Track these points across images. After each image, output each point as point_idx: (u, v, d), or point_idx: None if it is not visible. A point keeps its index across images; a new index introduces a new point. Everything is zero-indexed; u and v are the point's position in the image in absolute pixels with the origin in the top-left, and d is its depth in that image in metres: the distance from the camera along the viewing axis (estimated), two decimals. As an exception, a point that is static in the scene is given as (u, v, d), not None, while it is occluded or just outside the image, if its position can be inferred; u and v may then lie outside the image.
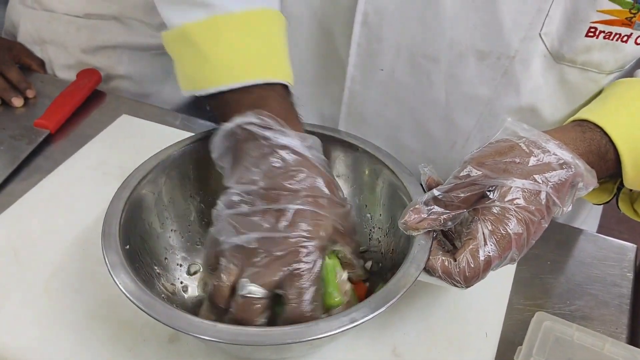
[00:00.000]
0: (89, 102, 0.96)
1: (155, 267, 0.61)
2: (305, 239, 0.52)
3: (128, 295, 0.50)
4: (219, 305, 0.53)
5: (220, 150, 0.59)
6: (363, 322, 0.48)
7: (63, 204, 0.76)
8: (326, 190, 0.55)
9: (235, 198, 0.55)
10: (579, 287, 0.70)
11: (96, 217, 0.73)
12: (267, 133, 0.56)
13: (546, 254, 0.73)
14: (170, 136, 0.85)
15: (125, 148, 0.85)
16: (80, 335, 0.60)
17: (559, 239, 0.76)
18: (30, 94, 0.97)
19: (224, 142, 0.58)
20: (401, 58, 0.73)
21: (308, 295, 0.51)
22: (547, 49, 0.67)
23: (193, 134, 0.68)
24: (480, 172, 0.53)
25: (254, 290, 0.51)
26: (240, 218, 0.53)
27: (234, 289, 0.52)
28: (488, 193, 0.53)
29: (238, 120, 0.57)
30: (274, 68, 0.61)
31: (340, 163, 0.68)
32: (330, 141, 0.66)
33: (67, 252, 0.69)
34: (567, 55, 0.67)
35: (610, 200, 0.69)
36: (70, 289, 0.65)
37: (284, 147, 0.55)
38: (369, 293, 0.59)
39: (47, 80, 1.03)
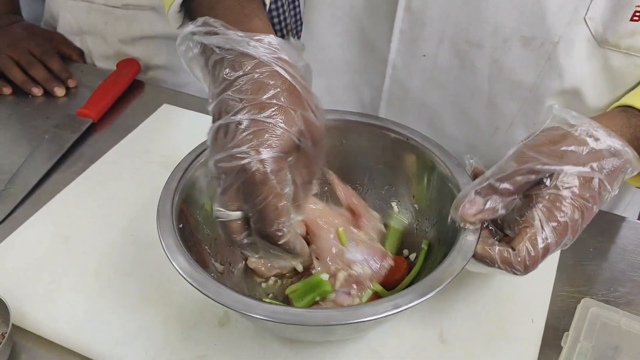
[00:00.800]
0: (128, 91, 0.98)
1: (206, 247, 0.62)
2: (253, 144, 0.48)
3: (183, 274, 0.51)
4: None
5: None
6: (408, 308, 0.49)
7: (110, 192, 0.77)
8: (268, 97, 0.49)
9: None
10: (622, 274, 0.70)
11: (142, 203, 0.75)
12: (213, 39, 0.51)
13: (588, 241, 0.73)
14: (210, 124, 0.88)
15: (167, 137, 0.86)
16: (131, 319, 0.62)
17: (601, 226, 0.75)
18: (71, 83, 0.99)
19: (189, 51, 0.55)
20: (444, 44, 0.73)
21: (276, 207, 0.48)
22: (592, 33, 0.67)
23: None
24: (537, 160, 0.53)
25: (223, 214, 0.50)
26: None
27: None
28: (544, 180, 0.53)
29: (188, 28, 0.53)
30: None
31: (387, 152, 0.68)
32: (376, 130, 0.67)
33: (116, 238, 0.71)
34: (611, 39, 0.67)
35: None
36: (120, 274, 0.66)
37: (230, 50, 0.51)
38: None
39: (87, 70, 1.05)
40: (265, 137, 0.47)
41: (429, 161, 0.65)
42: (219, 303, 0.49)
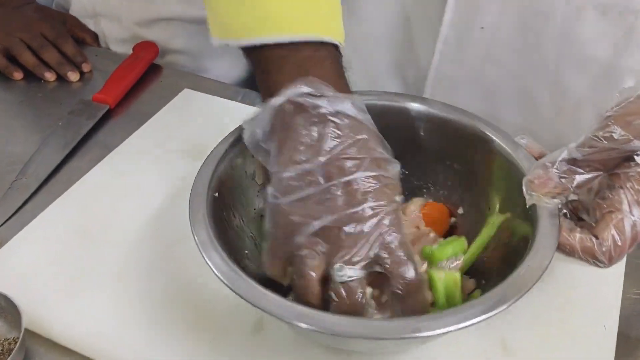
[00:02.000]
0: (146, 76, 0.94)
1: (246, 251, 0.56)
2: (383, 207, 0.46)
3: (217, 273, 0.46)
4: (311, 305, 0.47)
5: (264, 129, 0.51)
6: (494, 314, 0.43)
7: (130, 182, 0.72)
8: (383, 151, 0.50)
9: (292, 182, 0.48)
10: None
11: (167, 194, 0.70)
12: (320, 101, 0.48)
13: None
14: (234, 110, 0.83)
15: (189, 123, 0.81)
16: (156, 324, 0.57)
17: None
18: (86, 67, 0.94)
19: (269, 119, 0.50)
20: (507, 14, 0.67)
21: (409, 262, 0.46)
22: None
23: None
24: (628, 134, 0.46)
25: (352, 272, 0.45)
26: (305, 202, 0.47)
27: (324, 282, 0.47)
28: (635, 157, 0.46)
29: (289, 92, 0.49)
30: (328, 24, 0.53)
31: (434, 138, 0.62)
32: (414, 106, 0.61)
33: (138, 232, 0.66)
34: None
35: None
36: (144, 273, 0.61)
37: (337, 113, 0.48)
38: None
39: (102, 53, 1.00)
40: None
41: (489, 147, 0.58)
42: (258, 308, 0.43)
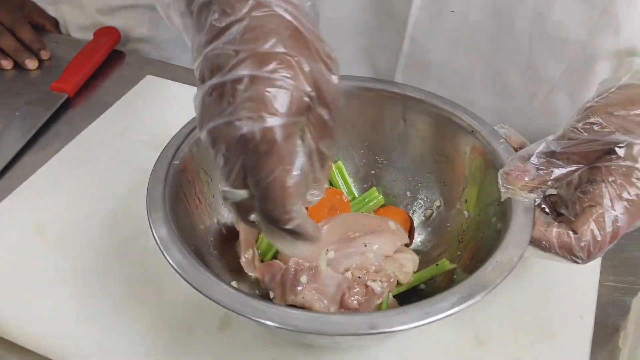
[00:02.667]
0: (107, 63, 0.92)
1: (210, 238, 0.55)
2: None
3: (179, 270, 0.44)
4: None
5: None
6: (457, 311, 0.42)
7: (89, 174, 0.71)
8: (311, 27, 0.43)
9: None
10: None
11: (128, 187, 0.69)
12: None
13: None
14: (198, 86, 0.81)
15: (152, 112, 0.80)
16: (117, 323, 0.55)
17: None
18: (44, 55, 0.92)
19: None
20: None
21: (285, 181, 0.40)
22: None
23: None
24: (609, 125, 0.45)
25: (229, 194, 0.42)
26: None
27: None
28: (616, 150, 0.45)
29: None
30: None
31: (414, 124, 0.61)
32: (394, 98, 0.60)
33: (97, 227, 0.65)
34: None
35: None
36: (103, 270, 0.60)
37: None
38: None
39: (62, 40, 0.99)
40: (268, 97, 0.38)
41: (465, 137, 0.57)
42: (222, 306, 0.42)
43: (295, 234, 0.41)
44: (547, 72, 0.70)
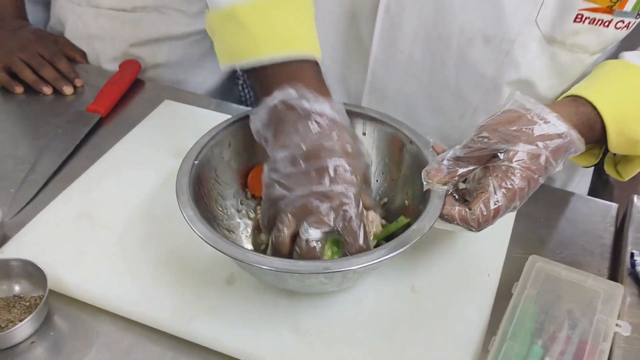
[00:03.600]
0: (131, 89, 1.07)
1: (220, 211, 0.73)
2: (347, 187, 0.62)
3: (202, 236, 0.62)
4: (283, 254, 0.63)
5: (263, 122, 0.68)
6: (384, 260, 0.60)
7: (124, 176, 0.86)
8: (355, 145, 0.66)
9: (281, 163, 0.64)
10: (568, 240, 0.81)
11: (155, 184, 0.84)
12: (304, 103, 0.65)
13: (540, 213, 0.85)
14: (208, 118, 0.98)
15: (171, 128, 0.95)
16: (151, 281, 0.71)
17: (552, 200, 0.87)
18: (78, 82, 1.07)
19: (267, 115, 0.67)
20: (418, 41, 0.83)
21: (361, 233, 0.62)
22: (542, 33, 0.78)
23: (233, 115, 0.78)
24: (494, 138, 0.63)
25: (314, 233, 0.61)
26: (289, 178, 0.63)
27: (292, 240, 0.63)
28: (499, 154, 0.64)
29: (279, 95, 0.66)
30: (309, 45, 0.71)
31: (369, 137, 0.79)
32: (358, 117, 0.78)
33: (133, 214, 0.80)
34: (558, 38, 0.78)
35: (597, 163, 0.80)
36: (139, 244, 0.76)
37: (318, 113, 0.65)
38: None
39: (91, 70, 1.13)
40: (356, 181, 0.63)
41: (403, 141, 0.75)
42: (231, 257, 0.60)
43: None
44: (470, 97, 0.87)
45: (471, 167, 0.65)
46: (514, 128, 0.64)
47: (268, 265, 0.59)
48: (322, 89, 0.68)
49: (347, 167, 0.63)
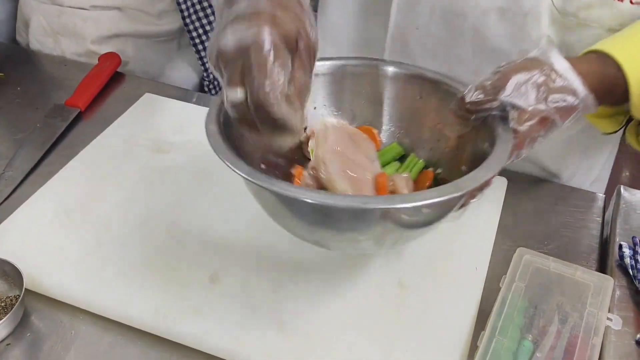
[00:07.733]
0: (110, 83, 1.05)
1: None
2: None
3: (246, 176, 0.56)
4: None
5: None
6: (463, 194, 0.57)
7: (103, 172, 0.85)
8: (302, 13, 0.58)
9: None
10: (554, 232, 0.80)
11: (135, 180, 0.83)
12: None
13: (527, 204, 0.84)
14: (190, 111, 0.96)
15: (152, 123, 0.94)
16: (132, 281, 0.70)
17: (539, 192, 0.87)
18: None
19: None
20: (435, 16, 0.84)
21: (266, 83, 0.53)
22: (554, 5, 0.78)
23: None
24: (507, 90, 0.64)
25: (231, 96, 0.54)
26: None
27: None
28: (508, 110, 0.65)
29: None
30: None
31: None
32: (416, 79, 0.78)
33: (113, 211, 0.78)
34: (570, 10, 0.78)
35: (618, 130, 0.79)
36: (119, 243, 0.74)
37: None
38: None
39: (70, 63, 1.11)
40: (265, 23, 0.53)
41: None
42: (253, 182, 0.56)
43: (282, 127, 0.54)
44: (486, 72, 0.81)
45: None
46: (526, 78, 0.64)
47: (268, 183, 0.55)
48: None
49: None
